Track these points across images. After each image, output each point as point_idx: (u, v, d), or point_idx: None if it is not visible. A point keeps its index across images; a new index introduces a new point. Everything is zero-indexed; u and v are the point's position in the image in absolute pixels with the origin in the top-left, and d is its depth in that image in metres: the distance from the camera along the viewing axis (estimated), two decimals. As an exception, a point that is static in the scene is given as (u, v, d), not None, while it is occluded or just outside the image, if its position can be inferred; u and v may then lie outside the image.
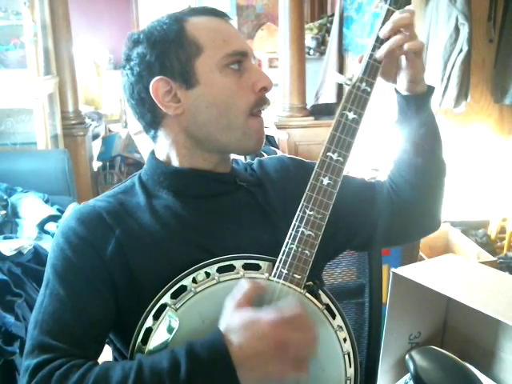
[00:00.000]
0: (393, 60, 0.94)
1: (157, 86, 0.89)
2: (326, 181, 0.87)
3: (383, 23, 0.89)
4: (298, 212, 0.86)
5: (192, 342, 0.75)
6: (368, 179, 1.10)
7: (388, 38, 0.89)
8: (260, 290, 0.79)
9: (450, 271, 1.09)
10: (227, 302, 0.77)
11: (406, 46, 0.88)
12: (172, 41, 0.89)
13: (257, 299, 0.78)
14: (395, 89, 0.98)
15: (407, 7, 0.92)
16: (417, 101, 0.96)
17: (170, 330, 0.79)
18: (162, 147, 0.95)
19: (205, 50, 0.88)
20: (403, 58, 0.92)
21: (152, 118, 0.93)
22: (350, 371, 0.87)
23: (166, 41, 0.89)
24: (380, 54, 0.89)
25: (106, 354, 0.93)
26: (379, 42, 0.89)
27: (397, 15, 0.89)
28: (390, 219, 1.03)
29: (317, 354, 0.78)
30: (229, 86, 0.89)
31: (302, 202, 0.86)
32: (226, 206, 0.94)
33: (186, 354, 0.73)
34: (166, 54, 0.89)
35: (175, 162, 0.94)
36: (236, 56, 0.89)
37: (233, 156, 1.01)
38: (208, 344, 0.74)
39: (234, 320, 0.75)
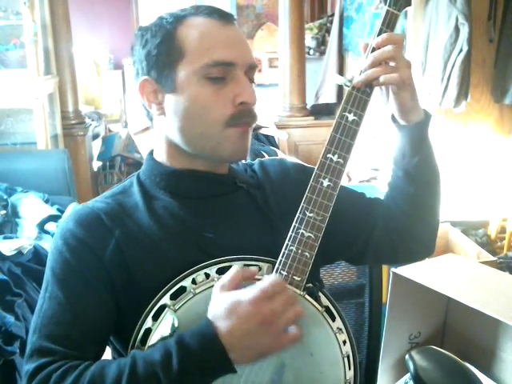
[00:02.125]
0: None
1: (143, 85, 0.91)
2: (326, 182, 0.86)
3: (383, 24, 0.88)
4: (298, 214, 0.86)
5: (182, 332, 0.76)
6: (367, 197, 1.08)
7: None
8: (247, 275, 0.79)
9: (450, 271, 1.09)
10: (214, 288, 0.78)
11: (381, 79, 0.86)
12: (159, 43, 0.89)
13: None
14: (392, 116, 0.95)
15: (407, 8, 0.91)
16: (410, 130, 0.92)
17: (169, 330, 0.79)
18: (158, 146, 0.96)
19: (186, 56, 0.87)
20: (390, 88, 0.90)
21: (147, 114, 0.95)
22: (350, 374, 0.87)
23: (154, 42, 0.89)
24: (356, 83, 0.87)
25: (106, 355, 0.93)
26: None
27: (377, 52, 0.86)
28: (382, 239, 1.02)
29: (315, 337, 0.79)
30: (203, 97, 0.87)
31: (302, 203, 0.86)
32: (225, 207, 0.94)
33: (175, 344, 0.74)
34: (152, 54, 0.89)
35: (168, 163, 0.94)
36: (217, 67, 0.86)
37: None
38: (197, 332, 0.75)
39: (218, 306, 0.76)
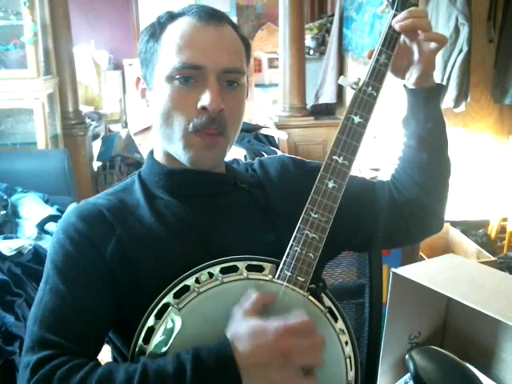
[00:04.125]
0: (404, 54, 0.94)
1: (136, 82, 0.95)
2: (331, 184, 0.87)
3: (390, 28, 0.90)
4: (302, 214, 0.86)
5: (198, 347, 0.75)
6: (369, 179, 1.09)
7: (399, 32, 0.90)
8: (268, 301, 0.79)
9: (450, 271, 1.09)
10: (235, 310, 0.78)
11: (435, 34, 0.89)
12: (146, 41, 0.91)
13: (264, 307, 0.79)
14: (404, 85, 0.98)
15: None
16: (425, 94, 0.96)
17: (172, 329, 0.79)
18: (155, 145, 0.97)
19: (163, 56, 0.88)
20: (417, 51, 0.92)
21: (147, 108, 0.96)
22: (351, 375, 0.86)
23: (144, 40, 0.92)
24: (399, 25, 0.89)
25: (106, 354, 0.93)
26: (385, 46, 0.89)
27: (412, 9, 0.90)
28: (392, 219, 1.02)
29: (324, 363, 0.77)
30: (171, 98, 0.87)
31: (307, 204, 0.86)
32: (226, 206, 0.94)
33: (192, 359, 0.73)
34: (142, 52, 0.92)
35: (165, 162, 0.95)
36: (184, 70, 0.86)
37: (234, 156, 1.01)
38: (215, 351, 0.74)
39: (240, 329, 0.75)
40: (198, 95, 0.87)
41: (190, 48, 0.86)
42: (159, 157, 0.96)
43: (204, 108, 0.86)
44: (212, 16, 0.89)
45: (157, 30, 0.90)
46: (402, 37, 0.94)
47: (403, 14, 0.90)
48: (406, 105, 0.99)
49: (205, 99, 0.86)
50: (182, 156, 0.90)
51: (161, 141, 0.93)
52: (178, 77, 0.86)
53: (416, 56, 0.93)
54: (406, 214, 1.03)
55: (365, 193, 1.05)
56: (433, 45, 0.91)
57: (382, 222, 1.02)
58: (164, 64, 0.88)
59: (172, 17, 0.90)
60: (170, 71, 0.87)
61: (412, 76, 0.95)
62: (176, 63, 0.86)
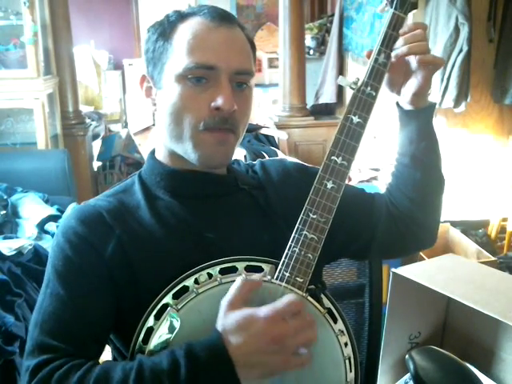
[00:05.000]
0: (401, 70, 0.93)
1: (141, 80, 0.94)
2: (329, 184, 0.86)
3: (389, 27, 0.88)
4: (301, 215, 0.85)
5: (191, 342, 0.75)
6: (368, 179, 1.10)
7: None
8: (254, 287, 0.78)
9: (450, 271, 1.09)
10: (222, 300, 0.78)
11: (431, 58, 0.89)
12: (155, 40, 0.91)
13: (257, 300, 0.78)
14: (397, 103, 0.97)
15: (413, 11, 0.91)
16: (418, 115, 0.95)
17: (171, 330, 0.79)
18: (157, 145, 0.97)
19: (173, 56, 0.88)
20: (415, 69, 0.91)
21: (152, 108, 0.95)
22: (351, 376, 0.87)
23: (152, 39, 0.91)
24: (397, 55, 0.88)
25: (106, 354, 0.93)
26: (384, 45, 0.89)
27: (409, 35, 0.88)
28: (387, 231, 1.03)
29: (317, 339, 0.78)
30: (182, 98, 0.87)
31: (305, 205, 0.86)
32: (226, 208, 0.94)
33: (185, 354, 0.74)
34: (150, 51, 0.92)
35: (168, 162, 0.95)
36: (196, 70, 0.86)
37: (234, 156, 1.00)
38: (207, 344, 0.74)
39: (229, 320, 0.75)
40: (209, 95, 0.87)
41: (202, 48, 0.86)
42: (162, 156, 0.96)
43: (217, 108, 0.86)
44: (224, 17, 0.89)
45: (167, 29, 0.90)
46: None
47: (401, 40, 0.88)
48: (399, 123, 0.99)
49: (219, 100, 0.86)
50: (191, 155, 0.90)
51: (168, 140, 0.92)
52: (190, 77, 0.86)
53: (413, 73, 0.92)
54: (400, 227, 1.03)
55: (363, 203, 1.05)
56: (430, 66, 0.90)
57: (378, 232, 1.03)
58: (175, 64, 0.87)
59: (182, 16, 0.90)
60: (181, 71, 0.86)
61: (407, 93, 0.94)
62: (189, 63, 0.86)
